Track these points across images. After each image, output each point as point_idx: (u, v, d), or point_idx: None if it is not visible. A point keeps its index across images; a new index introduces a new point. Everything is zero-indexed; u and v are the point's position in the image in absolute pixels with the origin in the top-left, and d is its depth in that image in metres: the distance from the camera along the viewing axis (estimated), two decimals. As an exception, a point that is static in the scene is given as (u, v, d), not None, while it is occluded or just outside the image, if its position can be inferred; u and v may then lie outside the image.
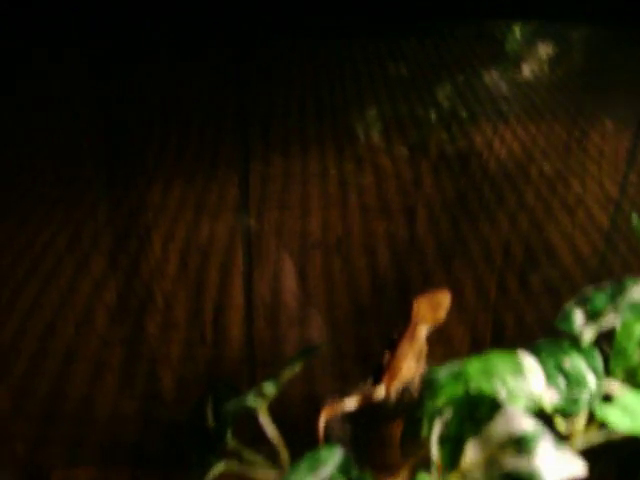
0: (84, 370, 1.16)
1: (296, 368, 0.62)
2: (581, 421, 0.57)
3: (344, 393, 0.81)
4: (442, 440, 0.50)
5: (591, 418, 0.56)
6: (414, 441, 0.62)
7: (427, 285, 1.11)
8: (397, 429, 0.83)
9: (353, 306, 1.12)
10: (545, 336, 0.66)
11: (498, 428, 0.47)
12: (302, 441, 0.74)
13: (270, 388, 0.60)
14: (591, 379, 0.57)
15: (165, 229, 1.08)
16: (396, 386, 0.81)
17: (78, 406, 1.18)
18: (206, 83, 1.01)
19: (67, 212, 1.07)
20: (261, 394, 0.61)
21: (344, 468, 0.51)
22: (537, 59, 1.00)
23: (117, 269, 1.09)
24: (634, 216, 0.85)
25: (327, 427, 0.78)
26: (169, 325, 1.13)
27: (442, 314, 0.82)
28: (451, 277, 1.10)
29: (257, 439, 0.63)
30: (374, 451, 0.83)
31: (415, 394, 0.81)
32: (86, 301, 1.11)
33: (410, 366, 0.82)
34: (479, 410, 0.48)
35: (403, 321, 0.85)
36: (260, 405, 0.61)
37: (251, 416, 0.63)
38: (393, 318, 1.11)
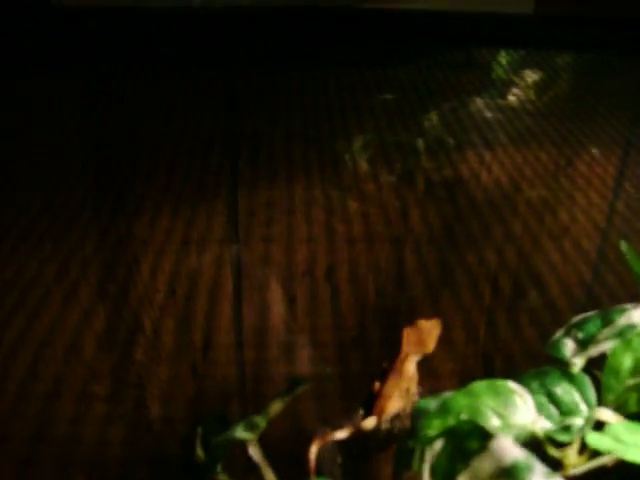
0: (72, 400, 1.15)
1: (286, 400, 0.62)
2: (574, 449, 0.56)
3: (335, 424, 0.81)
4: (434, 471, 0.50)
5: (584, 446, 0.55)
6: (406, 472, 0.62)
7: (415, 313, 1.10)
8: (388, 460, 0.82)
9: (342, 335, 1.11)
10: (534, 366, 0.65)
11: (488, 459, 0.46)
12: (294, 472, 0.74)
13: (260, 420, 0.60)
14: (583, 407, 0.57)
15: (153, 258, 1.08)
16: (387, 416, 0.80)
17: (65, 436, 1.17)
18: (194, 113, 1.02)
19: (55, 242, 1.06)
20: (251, 426, 0.60)
21: (335, 501, 0.51)
22: (524, 86, 1.01)
23: (105, 298, 1.09)
24: (622, 243, 0.86)
25: (318, 458, 0.77)
26: (158, 355, 1.13)
27: (432, 344, 0.82)
28: (439, 305, 1.10)
29: (250, 470, 0.63)
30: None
31: (406, 424, 0.80)
32: (74, 331, 1.10)
33: (401, 396, 0.81)
34: (469, 441, 0.48)
35: (393, 350, 0.84)
36: (250, 437, 0.61)
37: (243, 448, 0.62)
38: (382, 347, 1.11)
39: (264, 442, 0.64)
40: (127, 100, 0.99)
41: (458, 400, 0.55)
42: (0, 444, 1.17)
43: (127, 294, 1.10)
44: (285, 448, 1.14)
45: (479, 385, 0.56)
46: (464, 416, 0.54)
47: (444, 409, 0.54)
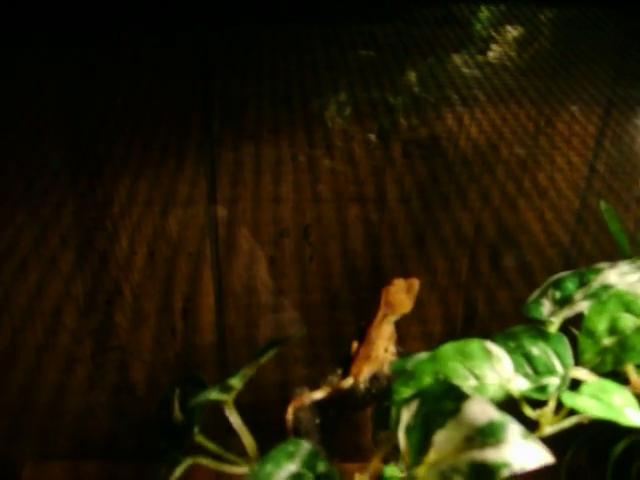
0: (54, 365, 1.15)
1: (262, 361, 0.62)
2: (550, 407, 0.57)
3: (313, 384, 0.81)
4: (409, 431, 0.50)
5: (560, 404, 0.56)
6: (385, 431, 0.62)
7: (400, 270, 1.10)
8: (367, 418, 0.83)
9: (325, 293, 1.11)
10: (515, 314, 0.66)
11: (465, 419, 0.46)
12: (274, 430, 0.74)
13: (235, 382, 0.60)
14: (558, 366, 0.57)
15: (133, 222, 1.07)
16: (365, 375, 0.80)
17: (49, 401, 1.17)
18: (173, 74, 1.00)
19: (32, 209, 1.05)
20: (226, 388, 0.60)
21: (311, 463, 0.51)
22: (504, 42, 1.00)
23: (85, 264, 1.08)
24: (602, 202, 0.86)
25: (296, 418, 0.78)
26: (139, 318, 1.12)
27: (410, 302, 0.82)
28: (423, 260, 1.10)
29: (228, 431, 0.63)
30: (344, 442, 0.82)
31: (384, 384, 0.80)
32: (55, 296, 1.10)
33: (378, 355, 0.81)
34: (444, 402, 0.48)
35: (374, 308, 0.84)
36: (226, 399, 0.61)
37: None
38: (366, 304, 1.11)
39: (247, 397, 0.64)
40: (101, 65, 0.97)
41: (437, 359, 0.55)
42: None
43: (107, 258, 1.09)
44: (269, 403, 1.15)
45: (458, 345, 0.56)
46: (442, 376, 0.54)
47: (424, 367, 0.54)
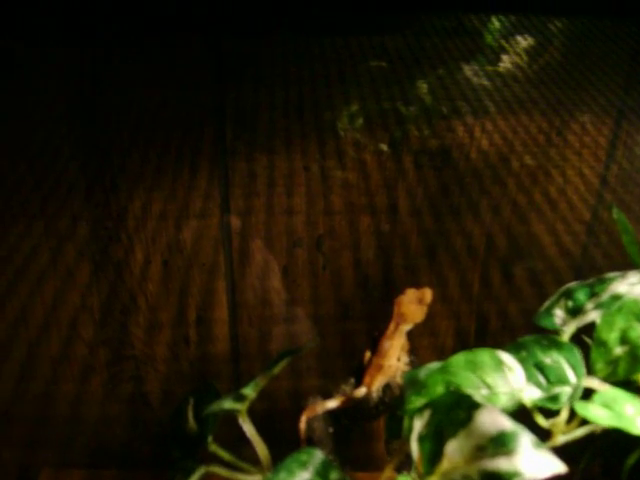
0: (70, 375, 1.15)
1: (275, 371, 0.62)
2: (563, 417, 0.57)
3: (326, 393, 0.81)
4: (422, 440, 0.50)
5: (573, 413, 0.56)
6: (398, 440, 0.62)
7: (411, 281, 1.11)
8: (379, 428, 0.83)
9: (337, 303, 1.12)
10: (527, 325, 0.66)
11: (477, 428, 0.47)
12: (287, 440, 0.74)
13: (249, 391, 0.60)
14: (571, 375, 0.57)
15: (147, 233, 1.08)
16: (377, 385, 0.81)
17: (66, 410, 1.18)
18: (185, 86, 1.00)
19: (49, 222, 1.06)
20: (240, 398, 0.60)
21: (324, 472, 0.51)
22: (514, 53, 1.00)
23: (101, 275, 1.09)
24: (615, 210, 0.85)
25: (309, 428, 0.78)
26: (153, 328, 1.13)
27: (423, 312, 0.82)
28: (435, 271, 1.10)
29: (243, 439, 0.63)
30: (357, 451, 0.83)
31: (397, 392, 0.81)
32: (71, 307, 1.10)
33: (391, 364, 0.82)
34: (458, 411, 0.48)
35: (386, 319, 0.85)
36: (239, 408, 0.61)
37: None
38: (378, 314, 1.11)
39: (260, 406, 0.65)
40: (114, 77, 0.98)
41: (450, 368, 0.55)
42: (3, 425, 1.18)
43: (122, 270, 1.09)
44: (281, 412, 1.15)
45: (470, 354, 0.56)
46: (454, 385, 0.54)
47: (436, 376, 0.55)
